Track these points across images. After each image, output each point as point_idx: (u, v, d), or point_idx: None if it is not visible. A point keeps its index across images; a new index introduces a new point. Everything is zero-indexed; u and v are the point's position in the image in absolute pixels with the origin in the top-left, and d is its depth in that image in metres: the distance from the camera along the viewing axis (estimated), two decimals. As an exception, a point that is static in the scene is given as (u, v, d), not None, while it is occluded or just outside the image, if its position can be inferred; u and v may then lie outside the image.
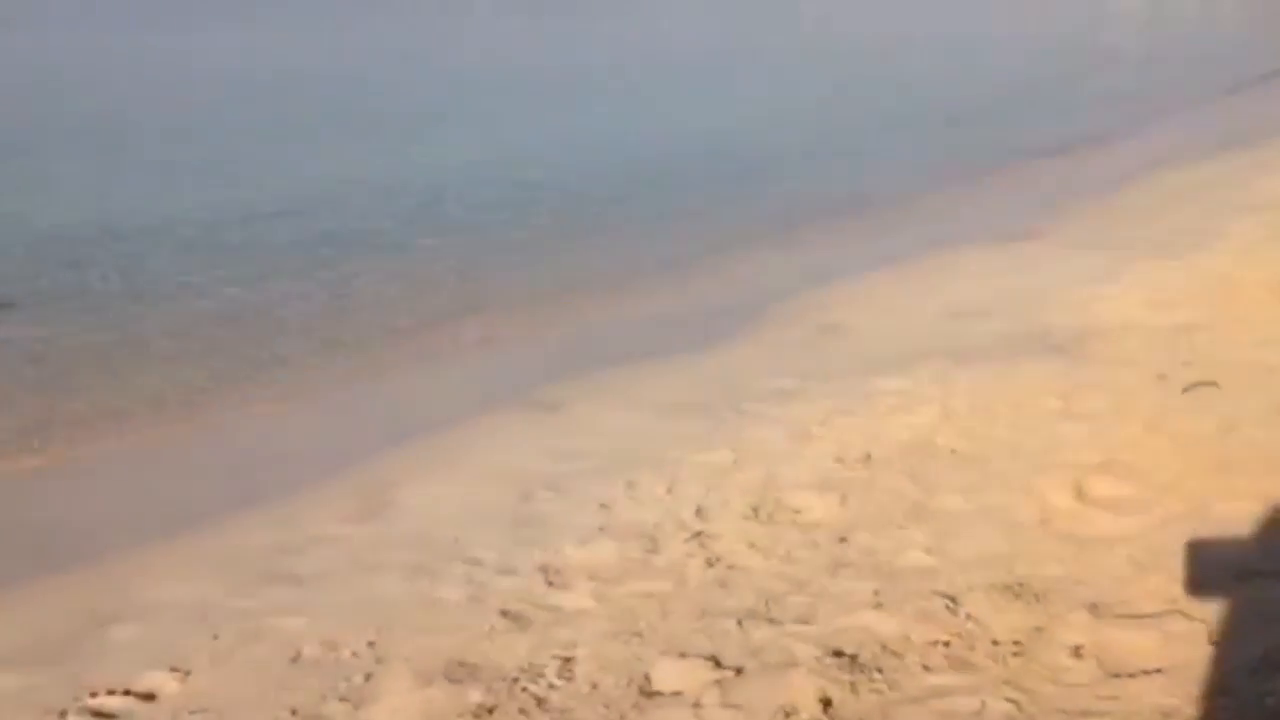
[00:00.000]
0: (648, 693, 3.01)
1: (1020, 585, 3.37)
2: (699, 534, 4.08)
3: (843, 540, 3.88)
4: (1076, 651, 2.95)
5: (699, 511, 4.29)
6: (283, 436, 6.30)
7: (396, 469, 5.40)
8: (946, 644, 3.08)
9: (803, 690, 2.89)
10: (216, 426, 6.47)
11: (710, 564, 3.81)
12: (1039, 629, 3.09)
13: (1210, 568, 3.25)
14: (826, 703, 2.85)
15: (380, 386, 7.08)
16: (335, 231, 10.96)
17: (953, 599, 3.34)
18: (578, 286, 9.19)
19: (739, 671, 3.05)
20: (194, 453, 6.11)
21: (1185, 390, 4.88)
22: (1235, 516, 3.58)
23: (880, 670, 2.97)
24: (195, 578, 4.18)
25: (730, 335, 7.61)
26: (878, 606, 3.34)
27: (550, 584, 3.77)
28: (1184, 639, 2.91)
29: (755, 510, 4.22)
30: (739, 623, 3.33)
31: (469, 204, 12.30)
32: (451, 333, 8.04)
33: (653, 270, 9.67)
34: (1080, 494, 3.98)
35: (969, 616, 3.21)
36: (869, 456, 4.65)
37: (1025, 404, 5.05)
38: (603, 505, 4.47)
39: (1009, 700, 2.76)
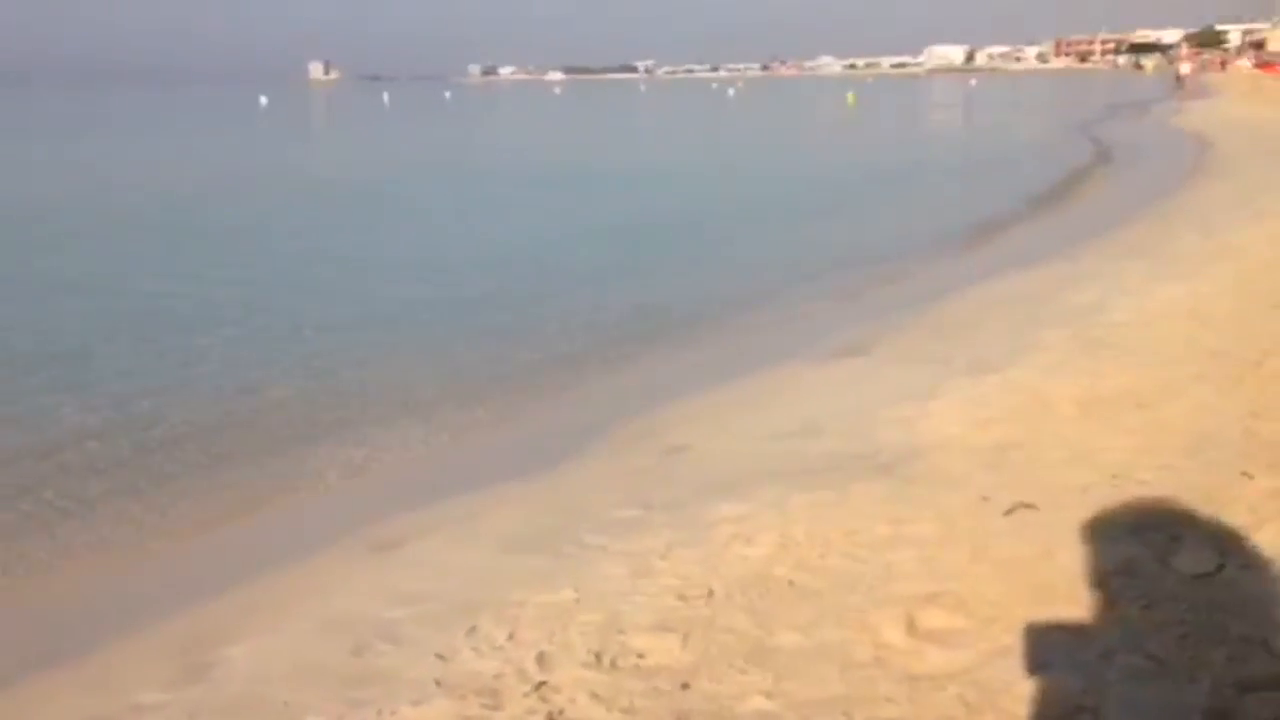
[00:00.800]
0: None
1: (858, 731, 3.40)
2: (541, 685, 3.98)
3: (685, 686, 3.85)
4: (913, 804, 2.98)
5: (540, 659, 4.20)
6: (96, 586, 5.92)
7: (223, 621, 5.14)
8: (788, 802, 3.06)
9: None
10: (21, 577, 6.03)
11: (552, 720, 3.72)
12: (877, 780, 3.12)
13: (1035, 706, 3.35)
14: None
15: (204, 527, 6.75)
16: (148, 359, 10.50)
17: (793, 749, 3.34)
18: (408, 410, 9.01)
19: (581, 847, 2.96)
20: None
21: (1006, 514, 5.09)
22: (1059, 648, 3.71)
23: (723, 836, 2.93)
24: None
25: (572, 458, 7.61)
26: (720, 762, 3.31)
27: (385, 753, 3.61)
28: (1014, 785, 2.98)
29: (598, 657, 4.16)
30: (581, 788, 3.24)
31: (287, 333, 11.76)
32: (282, 466, 7.75)
33: (490, 390, 9.59)
34: (912, 628, 4.07)
35: (810, 769, 3.21)
36: (711, 592, 4.65)
37: (858, 530, 5.17)
38: (440, 656, 4.33)
39: None
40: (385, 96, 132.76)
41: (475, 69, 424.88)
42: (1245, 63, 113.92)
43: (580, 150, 44.59)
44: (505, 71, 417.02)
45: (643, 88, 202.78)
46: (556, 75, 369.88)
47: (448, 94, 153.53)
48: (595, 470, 7.24)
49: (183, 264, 16.18)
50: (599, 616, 4.53)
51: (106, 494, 7.18)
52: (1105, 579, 4.12)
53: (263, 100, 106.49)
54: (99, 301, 13.21)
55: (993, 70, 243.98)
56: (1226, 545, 4.26)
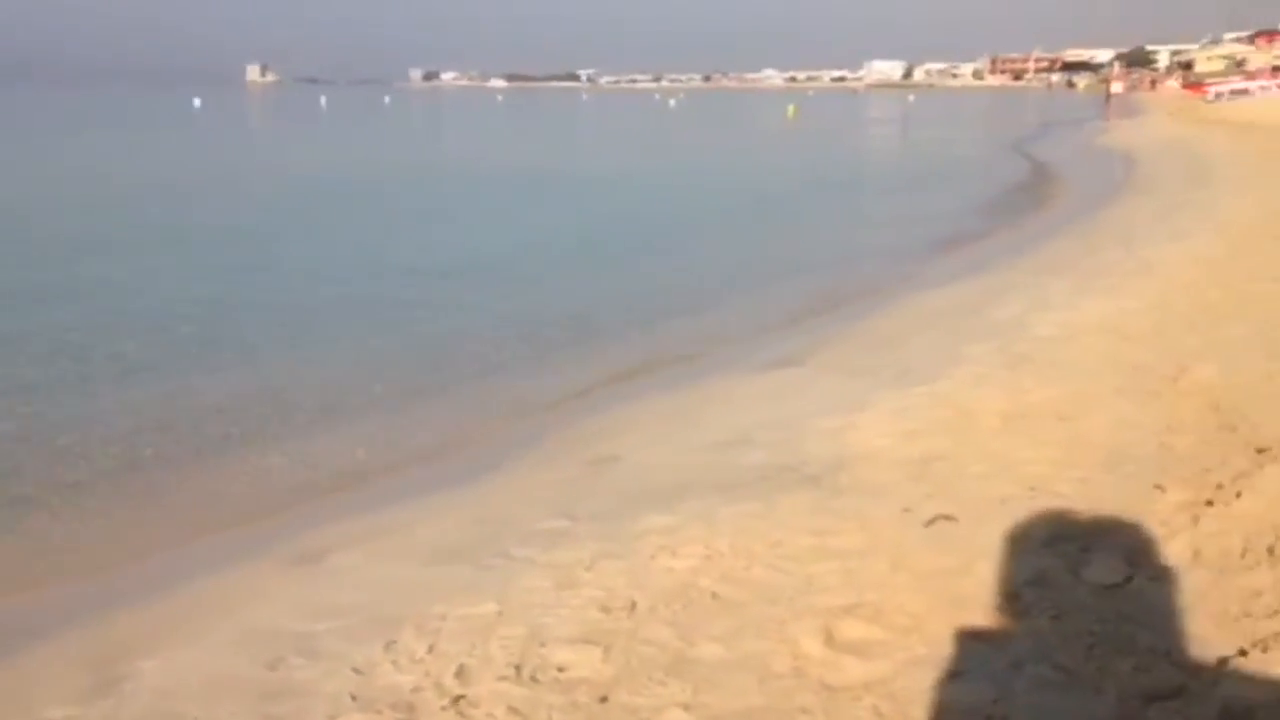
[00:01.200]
0: None
1: (773, 743, 3.41)
2: (459, 699, 3.95)
3: (604, 700, 3.84)
4: (824, 816, 3.00)
5: (460, 673, 4.16)
6: (5, 598, 5.75)
7: (137, 634, 5.03)
8: (701, 815, 3.06)
9: None
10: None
11: (468, 734, 3.69)
12: (790, 792, 3.13)
13: (946, 716, 3.39)
14: None
15: (120, 538, 6.58)
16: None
17: (709, 761, 3.34)
18: (334, 420, 8.88)
19: None
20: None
21: (927, 525, 5.15)
22: (971, 658, 3.77)
23: None
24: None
25: (502, 468, 7.57)
26: (635, 776, 3.30)
27: (296, 770, 3.55)
28: (923, 796, 3.01)
29: (518, 670, 4.13)
30: (494, 804, 3.22)
31: (203, 340, 11.41)
32: (203, 476, 7.59)
33: (420, 400, 9.49)
34: (830, 639, 4.10)
35: (724, 782, 3.22)
36: (634, 604, 4.65)
37: (783, 542, 5.20)
38: (357, 670, 4.27)
39: None
40: (322, 100, 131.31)
41: (417, 74, 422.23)
42: (1174, 83, 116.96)
43: (518, 157, 44.34)
44: (447, 77, 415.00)
45: (585, 96, 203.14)
46: (499, 82, 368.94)
47: (387, 99, 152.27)
48: (524, 481, 7.21)
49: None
50: (521, 629, 4.50)
51: (14, 502, 6.98)
52: (1019, 590, 4.19)
53: (196, 102, 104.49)
54: (19, 306, 12.85)
55: (930, 86, 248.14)
56: (1136, 557, 4.36)
